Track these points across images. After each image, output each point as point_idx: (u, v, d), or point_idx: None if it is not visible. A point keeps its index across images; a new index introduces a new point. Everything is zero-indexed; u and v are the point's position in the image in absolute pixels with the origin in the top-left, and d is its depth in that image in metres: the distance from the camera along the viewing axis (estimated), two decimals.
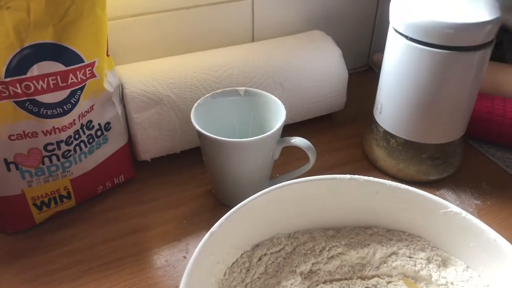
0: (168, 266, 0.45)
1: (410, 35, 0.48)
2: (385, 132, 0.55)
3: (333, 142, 0.61)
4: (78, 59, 0.43)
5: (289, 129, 0.58)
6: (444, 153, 0.54)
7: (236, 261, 0.39)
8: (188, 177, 0.55)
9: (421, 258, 0.40)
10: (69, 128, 0.44)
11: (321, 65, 0.60)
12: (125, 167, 0.52)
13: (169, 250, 0.46)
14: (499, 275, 0.36)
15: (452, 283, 0.39)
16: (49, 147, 0.45)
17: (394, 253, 0.41)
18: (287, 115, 0.48)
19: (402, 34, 0.49)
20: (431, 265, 0.40)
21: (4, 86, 0.40)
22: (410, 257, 0.41)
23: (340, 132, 0.63)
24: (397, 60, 0.51)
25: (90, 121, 0.47)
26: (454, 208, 0.39)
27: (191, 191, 0.53)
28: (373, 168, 0.57)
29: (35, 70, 0.41)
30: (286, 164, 0.55)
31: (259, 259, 0.40)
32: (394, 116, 0.53)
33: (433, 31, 0.46)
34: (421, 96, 0.50)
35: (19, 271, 0.44)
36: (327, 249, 0.41)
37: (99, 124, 0.48)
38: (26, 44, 0.39)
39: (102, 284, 0.43)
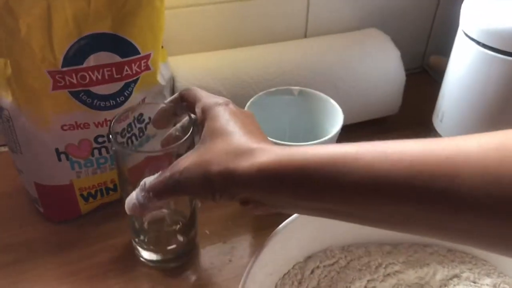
0: (213, 268, 0.43)
1: (483, 41, 0.45)
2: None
3: None
4: (134, 50, 0.42)
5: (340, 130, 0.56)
6: None
7: (288, 272, 0.37)
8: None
9: (487, 285, 0.37)
10: (123, 121, 0.43)
11: (378, 66, 0.57)
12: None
13: (214, 251, 0.45)
14: None
15: None
16: (100, 139, 0.44)
17: (456, 276, 0.38)
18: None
19: (473, 40, 0.46)
20: None
21: (61, 75, 0.39)
22: (475, 282, 0.38)
23: (394, 137, 0.58)
24: (466, 66, 0.47)
25: (141, 114, 0.45)
26: None
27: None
28: None
29: (92, 60, 0.40)
30: None
31: (312, 271, 0.38)
32: (457, 126, 0.50)
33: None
34: (490, 107, 0.46)
35: (63, 263, 0.43)
36: (383, 266, 0.39)
37: (149, 118, 0.46)
38: (84, 34, 0.38)
39: (145, 283, 0.42)
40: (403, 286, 0.38)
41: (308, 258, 0.39)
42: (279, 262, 0.36)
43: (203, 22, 0.58)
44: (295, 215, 0.36)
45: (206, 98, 0.34)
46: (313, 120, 0.50)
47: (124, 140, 0.44)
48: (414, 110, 0.63)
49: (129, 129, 0.44)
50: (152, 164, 0.43)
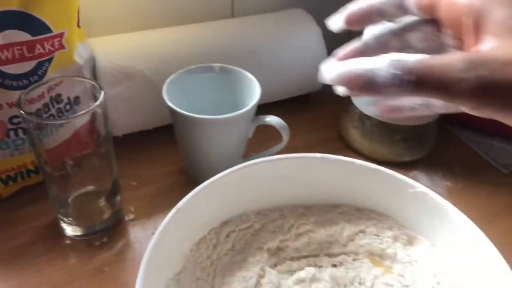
0: (136, 242, 0.44)
1: None
2: (361, 113, 0.55)
3: (309, 122, 0.61)
4: (45, 29, 0.41)
5: (265, 108, 0.57)
6: (417, 136, 0.55)
7: (203, 237, 0.39)
8: (160, 155, 0.54)
9: (388, 237, 0.41)
10: (38, 101, 0.43)
11: (300, 44, 0.59)
12: (94, 142, 0.51)
13: (139, 226, 0.46)
14: (462, 253, 0.37)
15: (416, 261, 0.39)
16: (15, 120, 0.43)
17: (361, 231, 0.41)
18: (263, 94, 0.47)
19: None
20: (397, 244, 0.40)
21: None
22: (377, 236, 0.41)
23: (317, 113, 0.63)
24: None
25: (59, 95, 0.45)
26: (421, 188, 0.39)
27: (163, 169, 0.52)
28: (348, 149, 0.57)
29: (0, 39, 0.39)
30: (260, 143, 0.54)
31: (227, 235, 0.40)
32: (370, 97, 0.53)
33: None
34: None
35: None
36: (295, 226, 0.41)
37: (68, 98, 0.46)
38: None
39: (69, 259, 0.43)
40: (314, 244, 0.41)
41: (224, 223, 0.41)
42: (192, 227, 0.38)
43: (126, 3, 0.58)
44: (207, 182, 0.38)
45: None
46: (235, 95, 0.51)
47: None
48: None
49: (46, 109, 0.45)
50: (74, 145, 0.43)
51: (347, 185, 0.42)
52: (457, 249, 0.37)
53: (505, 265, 0.33)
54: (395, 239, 0.40)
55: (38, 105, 0.43)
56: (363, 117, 0.55)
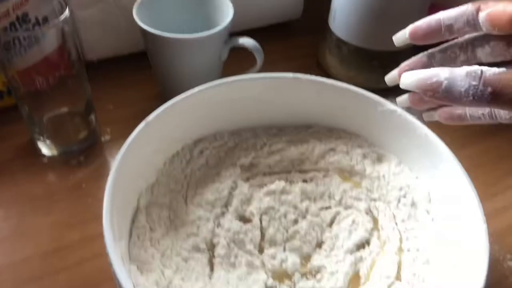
0: (112, 161, 0.45)
1: None
2: (338, 39, 0.54)
3: (287, 50, 0.61)
4: None
5: (242, 35, 0.57)
6: (395, 61, 0.54)
7: (176, 153, 0.40)
8: (137, 80, 0.54)
9: (357, 154, 0.42)
10: (3, 18, 0.42)
11: None
12: (66, 64, 0.51)
13: (115, 146, 0.47)
14: (428, 168, 0.38)
15: (384, 176, 0.41)
16: None
17: (332, 149, 0.42)
18: (240, 20, 0.47)
19: None
20: (366, 161, 0.42)
21: None
22: (347, 153, 0.42)
23: (296, 41, 0.63)
24: None
25: (26, 14, 0.44)
26: (390, 106, 0.40)
27: (139, 93, 0.52)
28: (325, 76, 0.57)
29: None
30: (236, 68, 0.54)
31: (201, 152, 0.41)
32: (346, 22, 0.52)
33: None
34: (373, 1, 0.49)
35: None
36: (268, 145, 0.42)
37: (36, 18, 0.45)
38: None
39: (47, 176, 0.44)
40: (285, 161, 0.42)
41: (197, 140, 0.41)
42: (165, 141, 0.38)
43: None
44: (177, 97, 0.38)
45: None
46: (208, 18, 0.50)
47: (10, 40, 0.43)
48: (317, 15, 0.65)
49: (13, 28, 0.44)
50: (45, 66, 0.43)
51: (318, 105, 0.43)
52: (424, 166, 0.39)
53: (468, 183, 0.34)
54: (364, 156, 0.42)
55: (4, 23, 0.42)
56: (340, 43, 0.54)
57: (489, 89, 0.22)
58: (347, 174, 0.42)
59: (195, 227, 0.36)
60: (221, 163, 0.41)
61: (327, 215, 0.39)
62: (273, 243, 0.37)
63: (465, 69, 0.23)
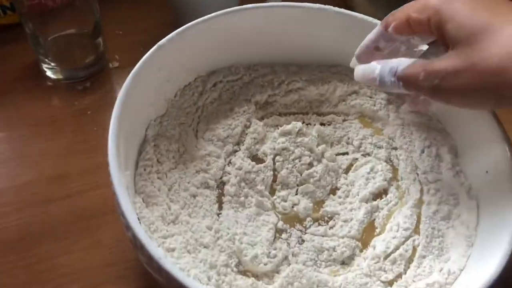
0: (120, 89, 0.43)
1: None
2: None
3: None
4: None
5: None
6: None
7: (188, 84, 0.37)
8: (148, 5, 0.51)
9: (382, 99, 0.39)
10: None
11: None
12: None
13: (123, 74, 0.43)
14: (459, 121, 0.36)
15: (408, 124, 0.38)
16: None
17: (355, 92, 0.40)
18: None
19: None
20: (390, 106, 0.39)
21: None
22: (371, 97, 0.39)
23: None
24: None
25: None
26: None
27: (151, 20, 0.49)
28: None
29: None
30: None
31: (214, 85, 0.38)
32: None
33: None
34: None
35: None
36: (286, 83, 0.40)
37: None
38: None
39: (52, 100, 0.42)
40: (303, 102, 0.40)
41: (211, 73, 0.39)
42: (178, 69, 0.36)
43: None
44: (193, 22, 0.35)
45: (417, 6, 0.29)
46: None
47: None
48: None
49: None
50: None
51: (344, 43, 0.39)
52: (455, 119, 0.36)
53: (503, 139, 0.31)
54: (389, 102, 0.39)
55: None
56: None
57: (401, 83, 0.29)
58: (369, 119, 0.39)
59: (205, 163, 0.34)
60: (235, 98, 0.38)
61: (344, 161, 0.37)
62: (285, 185, 0.35)
63: (389, 65, 0.29)
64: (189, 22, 0.45)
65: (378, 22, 0.38)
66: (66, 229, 0.33)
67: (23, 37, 0.42)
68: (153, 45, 0.46)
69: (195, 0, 0.44)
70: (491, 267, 0.26)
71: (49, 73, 0.42)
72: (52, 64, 0.42)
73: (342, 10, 0.38)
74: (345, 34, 0.39)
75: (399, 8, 0.31)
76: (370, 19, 0.38)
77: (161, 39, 0.47)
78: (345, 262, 0.32)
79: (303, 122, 0.38)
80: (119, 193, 0.25)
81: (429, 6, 0.28)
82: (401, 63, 0.29)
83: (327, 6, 0.38)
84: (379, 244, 0.32)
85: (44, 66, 0.42)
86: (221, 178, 0.34)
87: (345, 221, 0.33)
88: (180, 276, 0.23)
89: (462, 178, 0.34)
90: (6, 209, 0.34)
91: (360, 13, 0.52)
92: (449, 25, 0.26)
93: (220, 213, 0.32)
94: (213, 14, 0.35)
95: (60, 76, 0.42)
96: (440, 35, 0.28)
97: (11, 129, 0.39)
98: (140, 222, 0.28)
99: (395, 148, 0.38)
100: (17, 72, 0.43)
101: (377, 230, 0.33)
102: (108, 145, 0.26)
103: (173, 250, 0.28)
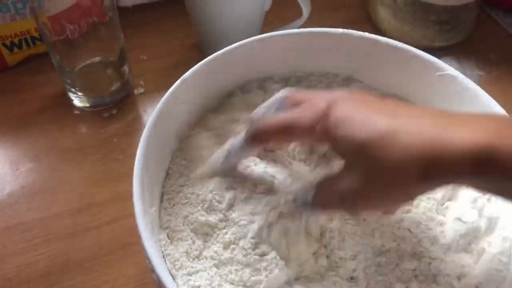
0: (146, 115, 0.44)
1: None
2: None
3: (334, 0, 0.55)
4: None
5: None
6: (454, 18, 0.49)
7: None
8: (172, 28, 0.51)
9: None
10: None
11: None
12: (99, 10, 0.48)
13: (148, 100, 0.45)
14: None
15: None
16: None
17: None
18: None
19: None
20: None
21: None
22: None
23: None
24: None
25: None
26: (451, 71, 0.36)
27: (174, 42, 0.49)
28: (375, 31, 0.52)
29: None
30: (278, 19, 0.50)
31: None
32: None
33: None
34: None
35: None
36: None
37: None
38: None
39: (79, 128, 0.42)
40: None
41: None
42: (201, 98, 0.36)
43: None
44: (216, 54, 0.35)
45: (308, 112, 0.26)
46: None
47: None
48: None
49: None
50: (77, 12, 0.40)
51: (369, 65, 0.39)
52: None
53: None
54: None
55: None
56: None
57: (261, 137, 0.29)
58: None
59: None
60: None
61: None
62: None
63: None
64: (212, 45, 0.46)
65: (403, 45, 0.37)
66: (93, 261, 0.34)
67: (51, 66, 0.43)
68: (177, 69, 0.46)
69: (218, 26, 0.44)
70: None
71: (76, 102, 0.43)
72: (79, 93, 0.42)
73: (366, 34, 0.37)
74: (370, 56, 0.38)
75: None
76: (395, 42, 0.37)
77: (184, 62, 0.47)
78: None
79: None
80: (144, 237, 0.25)
81: (316, 111, 0.25)
82: (306, 191, 0.27)
83: (350, 31, 0.37)
84: None
85: (71, 95, 0.43)
86: None
87: None
88: None
89: None
90: (34, 242, 0.35)
91: (384, 28, 0.52)
92: (340, 132, 0.24)
93: None
94: (236, 45, 0.35)
95: (87, 104, 0.43)
96: (330, 143, 0.26)
97: (40, 158, 0.40)
98: (165, 260, 0.28)
99: None
100: (45, 101, 0.44)
101: None
102: (133, 190, 0.26)
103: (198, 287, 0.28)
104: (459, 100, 0.36)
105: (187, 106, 0.35)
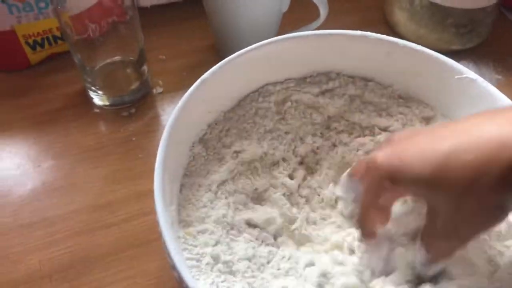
0: (164, 115, 0.44)
1: None
2: None
3: (350, 3, 0.56)
4: None
5: None
6: (471, 21, 0.49)
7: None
8: (191, 28, 0.51)
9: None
10: None
11: None
12: (119, 10, 0.49)
13: (167, 99, 0.45)
14: None
15: None
16: None
17: (395, 120, 0.39)
18: None
19: None
20: None
21: None
22: (412, 125, 0.38)
23: None
24: None
25: None
26: (470, 74, 0.36)
27: (193, 43, 0.50)
28: (391, 33, 0.52)
29: None
30: (296, 21, 0.51)
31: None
32: None
33: None
34: None
35: (18, 109, 0.44)
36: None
37: None
38: None
39: (99, 127, 0.43)
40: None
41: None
42: (218, 101, 0.36)
43: None
44: (234, 55, 0.35)
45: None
46: None
47: None
48: None
49: None
50: (98, 11, 0.41)
51: (387, 68, 0.39)
52: None
53: None
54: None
55: None
56: None
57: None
58: None
59: None
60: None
61: None
62: None
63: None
64: (231, 46, 0.46)
65: (421, 48, 0.37)
66: (113, 257, 0.35)
67: (72, 65, 0.43)
68: (196, 69, 0.47)
69: (237, 27, 0.44)
70: None
71: (96, 100, 0.44)
72: (99, 91, 0.43)
73: (383, 36, 0.37)
74: (387, 59, 0.38)
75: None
76: (413, 45, 0.37)
77: (203, 62, 0.48)
78: None
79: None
80: (165, 235, 0.25)
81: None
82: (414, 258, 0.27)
83: (368, 33, 0.37)
84: None
85: (91, 93, 0.44)
86: None
87: None
88: None
89: None
90: (55, 237, 0.36)
91: (401, 30, 0.52)
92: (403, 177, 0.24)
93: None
94: (252, 47, 0.36)
95: (107, 103, 0.44)
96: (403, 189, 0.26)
97: (61, 157, 0.41)
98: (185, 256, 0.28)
99: None
100: (66, 99, 0.45)
101: None
102: (154, 187, 0.27)
103: None
104: (478, 104, 0.36)
105: (205, 106, 0.35)
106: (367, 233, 0.29)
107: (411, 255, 0.29)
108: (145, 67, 0.44)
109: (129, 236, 0.36)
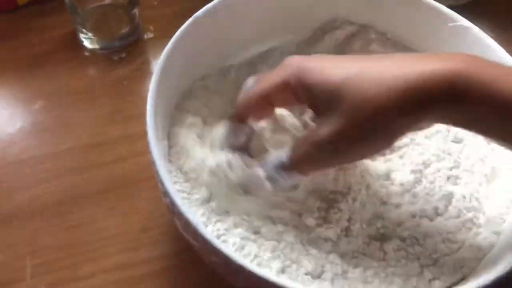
0: (155, 60, 0.44)
1: None
2: None
3: None
4: None
5: None
6: None
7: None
8: None
9: None
10: None
11: None
12: None
13: (158, 45, 0.43)
14: None
15: None
16: None
17: None
18: None
19: None
20: None
21: None
22: None
23: None
24: None
25: None
26: (464, 22, 0.36)
27: None
28: None
29: None
30: None
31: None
32: None
33: None
34: None
35: (7, 50, 0.43)
36: None
37: None
38: None
39: (89, 70, 0.43)
40: None
41: None
42: (211, 43, 0.36)
43: None
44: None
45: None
46: None
47: None
48: None
49: None
50: None
51: (382, 14, 0.38)
52: None
53: None
54: None
55: None
56: None
57: (295, 172, 0.27)
58: None
59: None
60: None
61: None
62: None
63: (270, 163, 0.27)
64: None
65: None
66: (104, 195, 0.35)
67: (61, 9, 0.42)
68: (187, 17, 0.46)
69: None
70: None
71: (86, 43, 0.43)
72: (89, 34, 0.42)
73: None
74: (382, 6, 0.38)
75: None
76: None
77: (195, 10, 0.47)
78: None
79: None
80: (158, 162, 0.25)
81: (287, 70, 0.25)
82: (281, 154, 0.26)
83: None
84: None
85: (82, 36, 0.43)
86: None
87: None
88: (216, 242, 0.24)
89: None
90: (47, 175, 0.36)
91: None
92: (314, 79, 0.24)
93: None
94: None
95: (97, 46, 0.43)
96: (304, 95, 0.25)
97: (50, 98, 0.40)
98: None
99: None
100: (55, 43, 0.44)
101: None
102: (147, 117, 0.27)
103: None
104: (471, 52, 0.35)
105: (198, 46, 0.35)
106: (241, 116, 0.29)
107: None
108: (136, 11, 0.43)
109: (121, 175, 0.36)
